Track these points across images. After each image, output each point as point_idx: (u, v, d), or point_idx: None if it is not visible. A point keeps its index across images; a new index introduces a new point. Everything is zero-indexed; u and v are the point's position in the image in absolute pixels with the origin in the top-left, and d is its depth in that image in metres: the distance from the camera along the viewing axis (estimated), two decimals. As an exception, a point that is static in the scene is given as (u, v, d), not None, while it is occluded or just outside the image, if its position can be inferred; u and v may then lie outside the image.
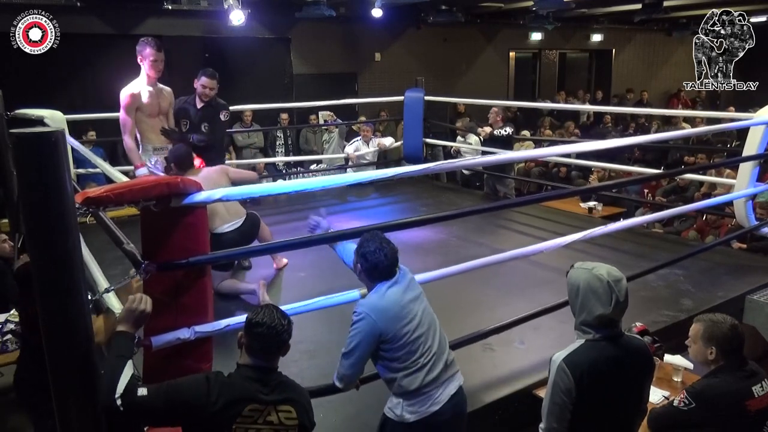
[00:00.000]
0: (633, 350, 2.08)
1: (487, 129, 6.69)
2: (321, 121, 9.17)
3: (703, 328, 2.44)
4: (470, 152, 7.42)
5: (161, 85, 4.44)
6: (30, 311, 2.61)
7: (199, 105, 4.60)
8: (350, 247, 2.51)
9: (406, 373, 2.26)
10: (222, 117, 4.66)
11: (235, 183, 4.08)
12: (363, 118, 9.24)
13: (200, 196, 2.11)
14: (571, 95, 12.89)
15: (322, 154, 8.56)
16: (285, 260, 4.66)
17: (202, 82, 4.53)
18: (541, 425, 2.10)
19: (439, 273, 2.98)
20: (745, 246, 5.24)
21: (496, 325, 3.15)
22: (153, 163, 4.44)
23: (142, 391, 1.75)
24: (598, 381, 2.00)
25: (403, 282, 2.36)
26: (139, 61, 4.22)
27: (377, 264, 2.29)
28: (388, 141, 7.79)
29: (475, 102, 7.94)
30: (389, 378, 2.31)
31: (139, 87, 4.25)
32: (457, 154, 7.63)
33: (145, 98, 4.26)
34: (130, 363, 1.78)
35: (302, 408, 1.94)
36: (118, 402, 1.71)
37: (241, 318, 2.37)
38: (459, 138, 8.12)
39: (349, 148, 7.61)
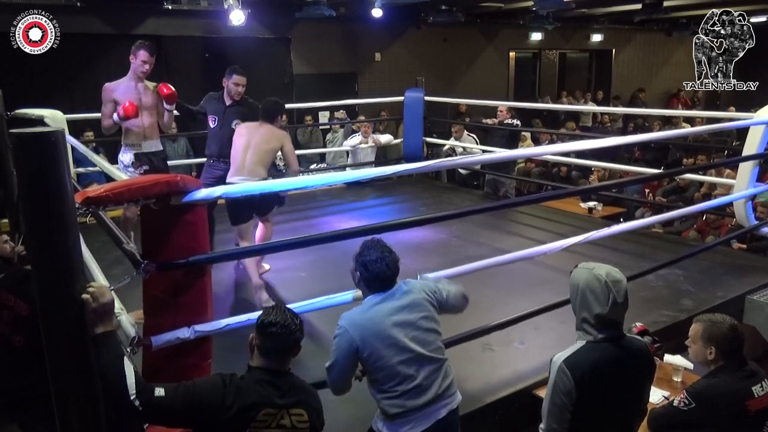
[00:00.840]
0: (634, 352, 2.08)
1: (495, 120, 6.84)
2: (326, 120, 9.23)
3: (703, 328, 2.44)
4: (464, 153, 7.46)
5: (149, 83, 4.48)
6: (12, 312, 2.56)
7: (228, 102, 4.59)
8: None
9: (385, 397, 2.18)
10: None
11: (284, 156, 4.11)
12: (362, 118, 9.25)
13: (200, 194, 2.11)
14: (570, 95, 12.90)
15: (325, 155, 8.57)
16: (267, 266, 4.57)
17: (234, 81, 4.54)
18: (541, 426, 2.10)
19: (443, 273, 2.97)
20: (744, 246, 5.24)
21: (495, 322, 3.14)
22: (128, 161, 4.48)
23: (160, 392, 1.74)
24: (599, 382, 2.00)
25: (400, 300, 2.21)
26: (130, 58, 4.36)
27: (378, 274, 2.20)
28: (384, 138, 7.82)
29: (475, 102, 7.94)
30: (374, 396, 2.24)
31: (119, 82, 4.40)
32: (453, 152, 7.64)
33: (121, 93, 4.35)
34: (127, 360, 1.77)
35: (313, 410, 1.94)
36: (136, 402, 1.70)
37: (241, 318, 2.38)
38: (453, 139, 8.08)
39: (349, 142, 7.67)
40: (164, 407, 1.74)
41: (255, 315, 2.42)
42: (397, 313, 2.18)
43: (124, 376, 1.72)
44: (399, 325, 2.17)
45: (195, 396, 1.78)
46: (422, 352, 2.18)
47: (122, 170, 4.45)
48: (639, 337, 2.30)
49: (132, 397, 1.70)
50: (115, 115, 4.33)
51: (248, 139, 3.97)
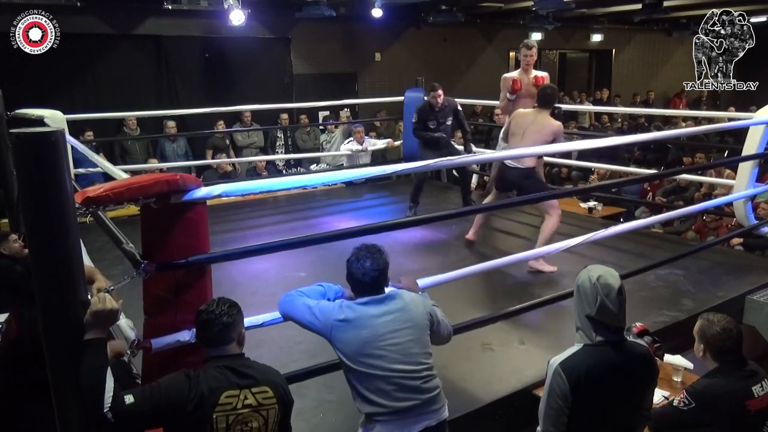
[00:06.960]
0: (634, 356, 2.07)
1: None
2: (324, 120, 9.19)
3: (699, 325, 2.47)
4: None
5: (535, 72, 5.44)
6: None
7: (437, 108, 5.72)
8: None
9: (361, 399, 2.11)
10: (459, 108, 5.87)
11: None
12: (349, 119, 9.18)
13: (200, 193, 2.11)
14: (568, 95, 12.88)
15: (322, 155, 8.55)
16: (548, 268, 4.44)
17: (438, 94, 5.69)
18: (538, 429, 2.10)
19: (444, 277, 2.97)
20: (741, 240, 5.25)
21: (490, 315, 3.14)
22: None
23: (129, 398, 1.74)
24: (595, 386, 2.00)
25: (389, 306, 2.14)
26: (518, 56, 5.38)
27: (352, 273, 2.16)
28: (381, 143, 7.79)
29: (475, 102, 7.93)
30: (353, 394, 2.16)
31: (513, 73, 5.45)
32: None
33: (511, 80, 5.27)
34: (109, 371, 1.76)
35: (277, 386, 1.94)
36: (109, 415, 1.70)
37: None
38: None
39: (346, 147, 7.64)
40: (135, 413, 1.75)
41: (255, 317, 2.43)
42: (386, 317, 2.12)
43: (101, 388, 1.71)
44: (389, 331, 2.10)
45: (162, 396, 1.80)
46: (404, 357, 2.09)
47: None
48: (642, 342, 2.27)
49: (106, 410, 1.70)
50: (507, 93, 5.25)
51: (524, 126, 4.36)
